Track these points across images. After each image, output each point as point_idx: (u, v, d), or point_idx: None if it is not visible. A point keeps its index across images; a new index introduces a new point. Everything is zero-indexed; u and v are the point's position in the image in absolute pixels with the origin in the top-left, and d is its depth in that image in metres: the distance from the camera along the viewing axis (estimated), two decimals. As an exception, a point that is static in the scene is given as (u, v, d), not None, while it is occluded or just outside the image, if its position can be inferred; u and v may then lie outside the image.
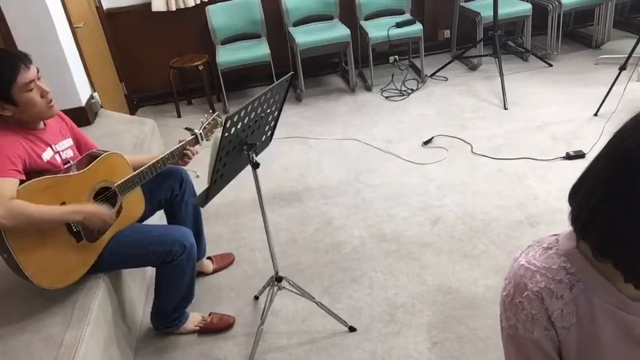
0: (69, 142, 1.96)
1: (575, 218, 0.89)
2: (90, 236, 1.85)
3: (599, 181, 0.85)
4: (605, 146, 0.85)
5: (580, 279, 0.90)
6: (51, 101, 1.79)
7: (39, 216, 1.64)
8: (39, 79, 1.76)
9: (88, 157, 1.94)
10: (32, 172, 1.71)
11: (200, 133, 2.14)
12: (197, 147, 2.17)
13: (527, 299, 0.91)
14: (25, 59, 1.72)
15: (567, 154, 3.11)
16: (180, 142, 2.08)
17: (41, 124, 1.86)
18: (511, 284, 0.95)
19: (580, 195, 0.89)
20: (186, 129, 2.14)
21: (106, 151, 1.96)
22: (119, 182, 1.91)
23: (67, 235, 1.78)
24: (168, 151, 2.03)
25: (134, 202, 2.03)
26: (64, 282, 1.80)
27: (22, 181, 1.65)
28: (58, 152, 1.87)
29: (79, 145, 2.04)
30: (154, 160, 1.99)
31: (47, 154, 1.80)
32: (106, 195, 1.89)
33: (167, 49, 4.54)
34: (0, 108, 1.70)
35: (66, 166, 1.85)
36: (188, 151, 2.10)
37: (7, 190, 1.59)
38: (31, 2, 2.98)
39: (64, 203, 1.74)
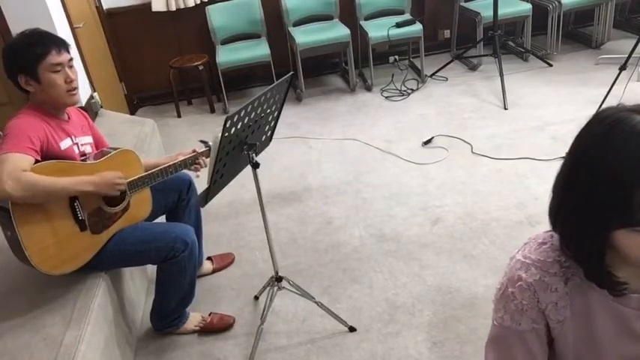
0: (89, 139, 2.02)
1: (550, 212, 0.93)
2: (94, 227, 1.86)
3: (563, 177, 0.89)
4: (575, 136, 0.89)
5: (575, 273, 0.91)
6: (74, 90, 1.86)
7: (48, 186, 1.66)
8: (70, 67, 1.85)
9: (101, 153, 1.99)
10: (48, 157, 1.75)
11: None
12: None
13: (520, 289, 0.92)
14: (60, 44, 1.83)
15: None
16: (193, 151, 2.11)
17: (65, 116, 1.93)
18: (506, 277, 0.97)
19: (552, 190, 0.92)
20: (201, 141, 2.16)
21: (120, 148, 2.00)
22: (130, 179, 1.93)
23: (72, 223, 1.80)
24: (181, 159, 2.07)
25: (142, 202, 2.05)
26: (62, 269, 1.80)
27: (37, 162, 1.70)
28: (77, 144, 1.92)
29: (97, 144, 2.09)
30: (166, 165, 2.02)
31: (65, 143, 1.85)
32: None
33: (167, 49, 4.54)
34: (25, 82, 1.80)
35: (82, 158, 1.91)
36: (201, 161, 2.12)
37: (21, 164, 1.63)
38: (31, 2, 2.98)
39: None
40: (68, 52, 1.85)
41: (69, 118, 1.94)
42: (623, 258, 0.84)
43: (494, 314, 0.98)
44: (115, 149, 2.00)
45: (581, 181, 0.84)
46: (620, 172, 0.78)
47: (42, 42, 1.79)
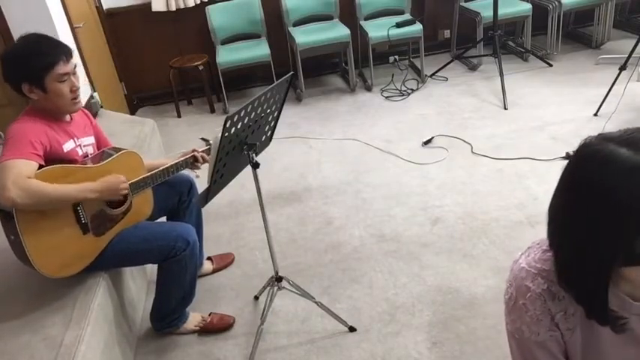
0: (91, 139, 2.02)
1: (550, 242, 0.91)
2: (97, 230, 1.86)
3: (560, 207, 0.87)
4: (563, 172, 0.87)
5: None
6: (77, 97, 1.85)
7: (53, 193, 1.66)
8: (74, 74, 1.83)
9: (101, 153, 1.99)
10: (51, 160, 1.75)
11: None
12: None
13: (530, 300, 0.92)
14: (67, 52, 1.81)
15: (567, 154, 3.11)
16: (193, 150, 2.12)
17: (67, 117, 1.92)
18: (513, 287, 0.96)
19: (548, 218, 0.90)
20: (202, 139, 2.16)
21: (123, 149, 2.00)
22: (132, 181, 1.94)
23: (75, 226, 1.80)
24: (182, 159, 2.08)
25: (143, 202, 2.06)
26: (65, 272, 1.81)
27: (40, 167, 1.69)
28: (80, 146, 1.92)
29: (99, 143, 2.09)
30: (168, 165, 2.03)
31: (69, 145, 1.85)
32: None
33: (167, 49, 4.54)
34: (29, 90, 1.76)
35: (83, 160, 1.91)
36: (200, 157, 2.12)
37: (25, 171, 1.63)
38: (31, 2, 2.98)
39: None
40: (72, 58, 1.84)
41: (71, 118, 1.94)
42: (631, 290, 0.84)
43: (511, 326, 0.97)
44: (117, 150, 2.00)
45: (579, 219, 0.82)
46: (620, 209, 0.77)
47: (50, 51, 1.76)
